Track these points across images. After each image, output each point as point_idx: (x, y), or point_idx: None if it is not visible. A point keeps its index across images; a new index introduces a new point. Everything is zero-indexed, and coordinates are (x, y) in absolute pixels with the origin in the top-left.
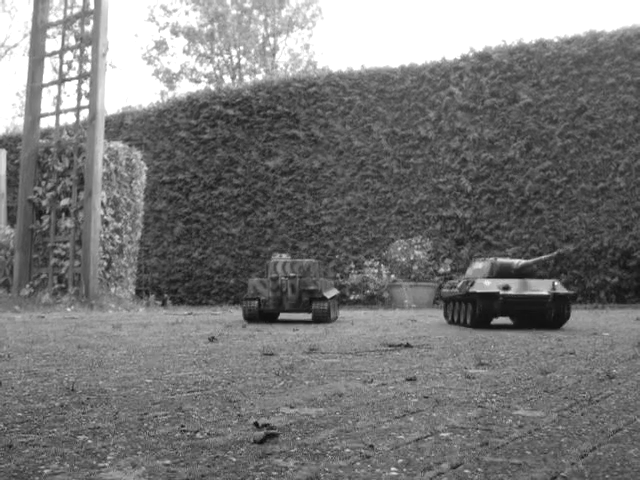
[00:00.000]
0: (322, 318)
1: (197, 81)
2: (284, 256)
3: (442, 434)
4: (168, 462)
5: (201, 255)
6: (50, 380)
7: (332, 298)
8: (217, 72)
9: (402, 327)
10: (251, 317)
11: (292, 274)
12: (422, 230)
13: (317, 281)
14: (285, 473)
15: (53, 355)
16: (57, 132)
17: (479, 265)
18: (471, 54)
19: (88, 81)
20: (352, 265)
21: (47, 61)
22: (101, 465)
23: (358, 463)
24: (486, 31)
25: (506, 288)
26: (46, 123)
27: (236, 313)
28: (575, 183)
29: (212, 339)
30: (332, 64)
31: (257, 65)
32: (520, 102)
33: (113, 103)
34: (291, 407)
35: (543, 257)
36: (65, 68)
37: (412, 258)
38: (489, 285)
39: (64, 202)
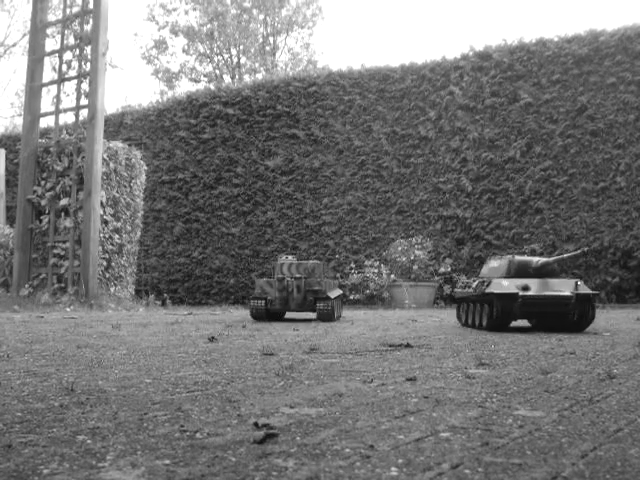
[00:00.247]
0: (326, 317)
1: (197, 80)
2: (290, 257)
3: (442, 434)
4: (168, 462)
5: (201, 255)
6: (49, 380)
7: (336, 298)
8: (217, 71)
9: (402, 327)
10: (258, 316)
11: (298, 275)
12: (422, 230)
13: (321, 282)
14: (285, 473)
15: (52, 355)
16: (56, 132)
17: (495, 263)
18: (471, 53)
19: (88, 80)
20: (352, 265)
21: (46, 60)
22: (100, 465)
23: (358, 463)
24: (486, 30)
25: (525, 288)
26: (45, 123)
27: (236, 313)
28: (576, 183)
29: (212, 339)
30: (332, 63)
31: (257, 64)
32: (520, 101)
33: (113, 102)
34: (291, 407)
35: (565, 255)
36: (64, 67)
37: (412, 258)
38: (507, 285)
39: (63, 202)
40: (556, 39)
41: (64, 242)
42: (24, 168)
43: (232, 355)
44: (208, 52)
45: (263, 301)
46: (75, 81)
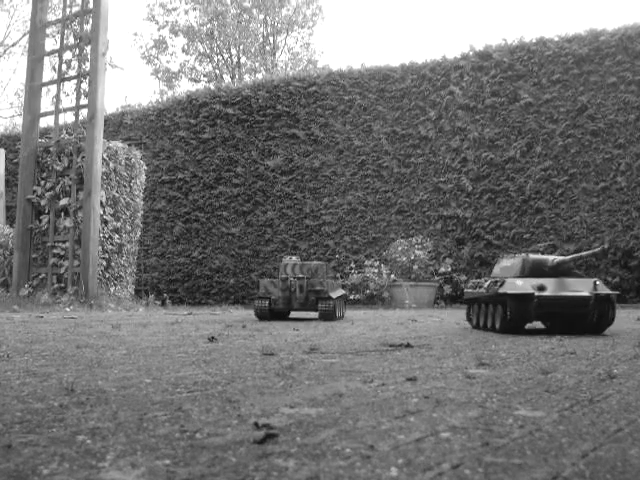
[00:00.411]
0: (327, 316)
1: (197, 80)
2: (294, 258)
3: (442, 434)
4: (168, 462)
5: (201, 255)
6: (49, 380)
7: (338, 298)
8: (217, 71)
9: (402, 327)
10: (262, 315)
11: (300, 275)
12: (422, 230)
13: (323, 282)
14: (285, 473)
15: (52, 355)
16: (56, 131)
17: (508, 262)
18: (471, 53)
19: (87, 80)
20: (352, 265)
21: (46, 60)
22: (100, 465)
23: (358, 463)
24: (487, 30)
25: (541, 288)
26: (45, 122)
27: (236, 313)
28: (576, 182)
29: (212, 339)
30: (332, 63)
31: (257, 64)
32: (521, 101)
33: (112, 102)
34: (291, 407)
35: (584, 253)
36: (64, 67)
37: (412, 258)
38: (522, 285)
39: (63, 202)
40: (556, 39)
41: (64, 242)
42: (24, 168)
43: (232, 355)
44: (208, 52)
45: (267, 301)
46: (75, 81)
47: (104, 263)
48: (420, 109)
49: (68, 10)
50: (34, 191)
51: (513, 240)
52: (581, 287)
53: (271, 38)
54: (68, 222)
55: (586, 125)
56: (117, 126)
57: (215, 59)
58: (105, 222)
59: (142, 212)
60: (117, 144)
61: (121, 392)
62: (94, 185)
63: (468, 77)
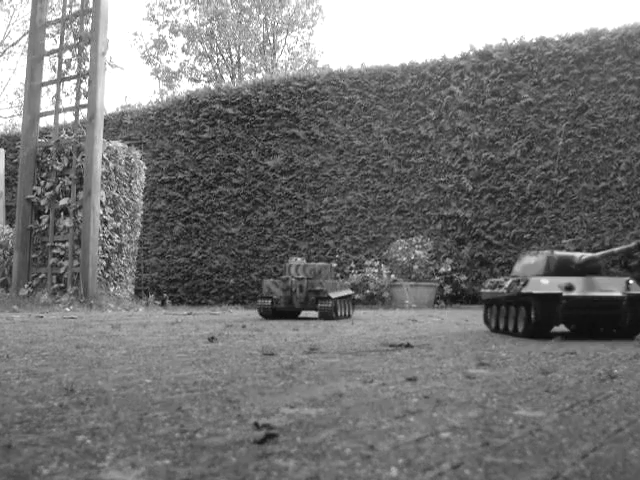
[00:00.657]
0: (326, 316)
1: (196, 80)
2: (298, 259)
3: (443, 434)
4: (168, 462)
5: (200, 255)
6: (49, 380)
7: (339, 298)
8: (217, 71)
9: (402, 327)
10: (265, 314)
11: (301, 276)
12: (423, 230)
13: (323, 282)
14: (285, 473)
15: (52, 355)
16: (56, 131)
17: (531, 260)
18: (472, 53)
19: (87, 80)
20: (352, 265)
21: (46, 60)
22: (100, 465)
23: (358, 463)
24: (487, 29)
25: (569, 288)
26: (45, 122)
27: (236, 313)
28: (576, 182)
29: (212, 339)
30: (332, 63)
31: (257, 64)
32: (521, 101)
33: (112, 102)
34: (291, 407)
35: (615, 249)
36: (64, 67)
37: (413, 258)
38: (548, 284)
39: (63, 201)
40: (557, 38)
41: (63, 242)
42: (23, 168)
43: (232, 355)
44: (208, 51)
45: (269, 300)
46: (75, 80)
47: (104, 263)
48: (420, 109)
49: (68, 10)
50: (34, 191)
51: (513, 240)
52: (612, 287)
53: (271, 38)
54: (68, 222)
55: (586, 125)
56: (117, 126)
57: (215, 59)
58: (105, 222)
59: (142, 212)
60: (117, 144)
61: (121, 392)
62: (94, 185)
63: (468, 77)
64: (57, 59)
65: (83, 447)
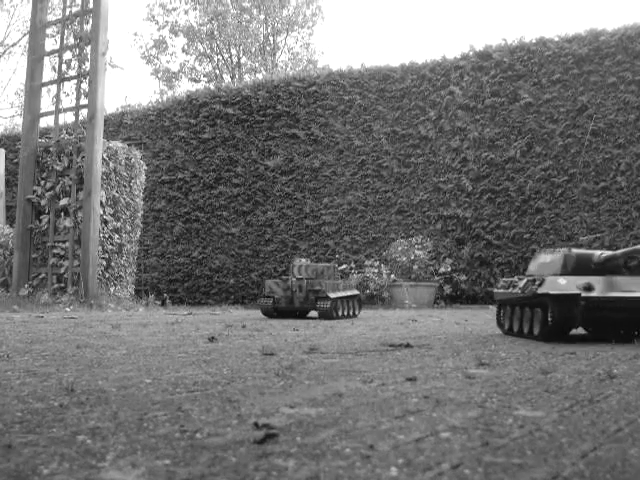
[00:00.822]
0: (325, 315)
1: (197, 80)
2: (303, 260)
3: (442, 434)
4: (168, 462)
5: (201, 255)
6: (49, 380)
7: (340, 298)
8: (217, 71)
9: (402, 327)
10: (267, 313)
11: (300, 276)
12: (422, 230)
13: (322, 282)
14: (285, 473)
15: (52, 355)
16: (56, 131)
17: (547, 258)
18: (471, 53)
19: (87, 80)
20: (352, 265)
21: (46, 60)
22: (100, 465)
23: (358, 463)
24: (486, 30)
25: (588, 288)
26: (45, 122)
27: (236, 313)
28: (576, 182)
29: (212, 339)
30: (332, 63)
31: (257, 64)
32: (521, 101)
33: (112, 102)
34: (291, 407)
35: (639, 246)
36: (64, 67)
37: (412, 258)
38: (566, 284)
39: (63, 201)
40: (556, 39)
41: (64, 242)
42: (24, 168)
43: (232, 355)
44: (208, 52)
45: (271, 300)
46: (75, 81)
47: (104, 263)
48: (420, 109)
49: (68, 10)
50: (34, 191)
51: (513, 240)
52: (634, 287)
53: (271, 38)
54: (68, 222)
55: (586, 125)
56: (117, 126)
57: (215, 59)
58: (105, 222)
59: (142, 212)
60: (117, 144)
61: (121, 392)
62: (94, 185)
63: (468, 77)
64: (57, 59)
65: (83, 447)
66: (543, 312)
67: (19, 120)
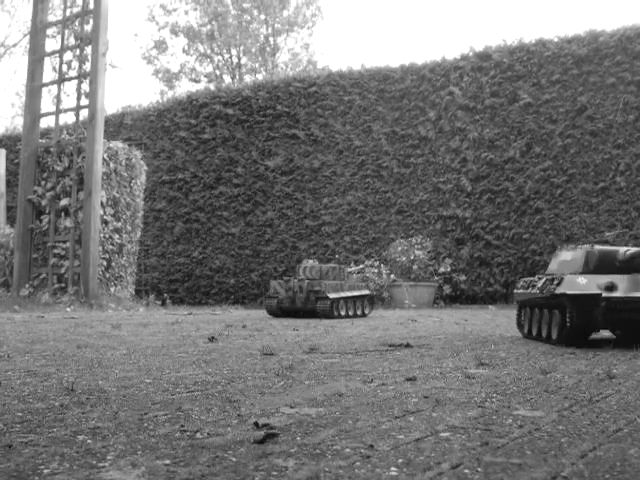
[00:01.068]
0: (324, 314)
1: (197, 81)
2: (310, 262)
3: (442, 434)
4: (168, 462)
5: (201, 255)
6: (50, 380)
7: (342, 298)
8: (217, 72)
9: (402, 327)
10: (271, 312)
11: (302, 277)
12: (422, 230)
13: (322, 283)
14: (285, 473)
15: (53, 355)
16: (57, 132)
17: (568, 255)
18: (471, 53)
19: (88, 81)
20: (352, 265)
21: (47, 60)
22: (101, 465)
23: (358, 463)
24: (486, 30)
25: (610, 288)
26: (46, 123)
27: (236, 313)
28: (575, 183)
29: (212, 339)
30: (332, 64)
31: (257, 65)
32: (520, 102)
33: (113, 103)
34: (291, 407)
35: None
36: (65, 68)
37: (412, 258)
38: (585, 284)
39: (64, 202)
40: (556, 39)
41: (64, 242)
42: (24, 168)
43: (232, 355)
44: (208, 52)
45: (275, 300)
46: (75, 81)
47: (104, 263)
48: (420, 109)
49: (69, 11)
50: (35, 191)
51: (512, 240)
52: None
53: (271, 39)
54: (69, 222)
55: (585, 125)
56: (117, 126)
57: (215, 59)
58: (105, 222)
59: (142, 212)
60: (117, 144)
61: (121, 392)
62: (94, 185)
63: (468, 78)
64: (58, 60)
65: (84, 447)
66: (561, 314)
67: (20, 120)
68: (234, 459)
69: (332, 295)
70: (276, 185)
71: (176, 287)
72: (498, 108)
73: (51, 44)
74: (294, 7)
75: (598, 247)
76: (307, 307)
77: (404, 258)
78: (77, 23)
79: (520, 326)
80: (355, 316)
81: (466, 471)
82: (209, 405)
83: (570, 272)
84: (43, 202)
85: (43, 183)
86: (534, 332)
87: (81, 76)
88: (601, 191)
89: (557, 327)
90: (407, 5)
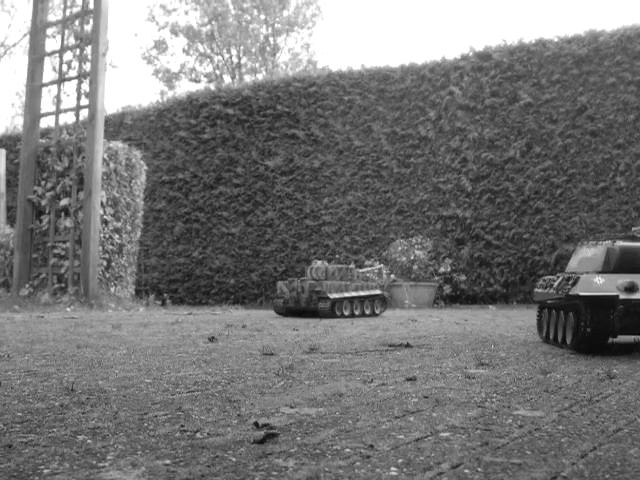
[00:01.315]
0: (324, 314)
1: (197, 81)
2: (318, 262)
3: (442, 434)
4: (168, 462)
5: (201, 255)
6: (50, 380)
7: (345, 298)
8: (217, 72)
9: (402, 327)
10: (278, 312)
11: (307, 278)
12: (422, 230)
13: (323, 284)
14: (285, 473)
15: (53, 355)
16: (57, 132)
17: (589, 252)
18: (471, 53)
19: (88, 81)
20: (352, 265)
21: (47, 60)
22: (101, 465)
23: (358, 463)
24: (486, 30)
25: (631, 289)
26: (46, 123)
27: (236, 313)
28: (575, 183)
29: (212, 339)
30: (332, 64)
31: (257, 65)
32: (520, 102)
33: (113, 103)
34: (291, 407)
35: None
36: (65, 67)
37: (412, 258)
38: (602, 284)
39: (64, 202)
40: (556, 39)
41: (64, 242)
42: (24, 168)
43: (232, 355)
44: (208, 52)
45: (282, 300)
46: (75, 81)
47: (104, 263)
48: (420, 109)
49: (69, 11)
50: (35, 191)
51: (512, 240)
52: None
53: (271, 39)
54: (68, 222)
55: (585, 125)
56: (117, 126)
57: (215, 59)
58: (105, 222)
59: (142, 212)
60: (117, 144)
61: (121, 392)
62: (94, 185)
63: (468, 77)
64: (58, 60)
65: (84, 447)
66: (575, 317)
67: (20, 120)
68: (234, 459)
69: (334, 295)
70: (276, 185)
71: (176, 287)
72: (498, 108)
73: (51, 44)
74: (294, 7)
75: (620, 243)
76: (310, 307)
77: (404, 258)
78: (77, 23)
79: (539, 328)
80: (363, 315)
81: (466, 471)
82: (209, 405)
83: (590, 270)
84: (43, 202)
85: (43, 183)
86: (551, 335)
87: (81, 76)
88: (601, 191)
89: (571, 331)
90: (407, 5)
